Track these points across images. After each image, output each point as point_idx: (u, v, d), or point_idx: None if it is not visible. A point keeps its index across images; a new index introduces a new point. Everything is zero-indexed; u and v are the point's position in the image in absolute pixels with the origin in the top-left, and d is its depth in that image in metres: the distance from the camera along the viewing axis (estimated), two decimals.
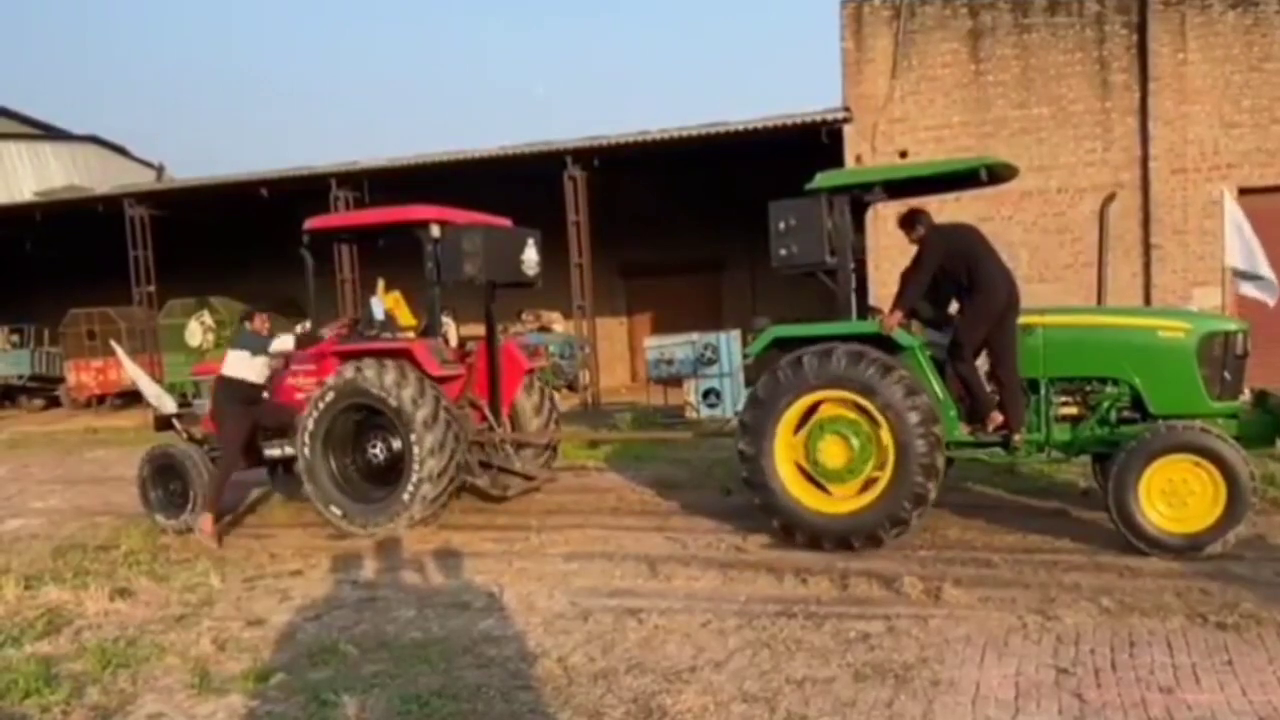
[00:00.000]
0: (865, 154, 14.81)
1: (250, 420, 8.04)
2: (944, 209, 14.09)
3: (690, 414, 13.15)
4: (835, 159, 14.47)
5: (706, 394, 13.03)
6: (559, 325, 21.11)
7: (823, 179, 6.70)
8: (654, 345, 13.94)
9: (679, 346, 13.49)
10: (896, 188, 7.19)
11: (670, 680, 4.38)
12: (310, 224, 8.40)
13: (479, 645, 4.99)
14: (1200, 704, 3.85)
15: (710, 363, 13.03)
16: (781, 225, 6.66)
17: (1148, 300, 13.77)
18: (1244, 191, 13.48)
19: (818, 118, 14.92)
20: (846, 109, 14.89)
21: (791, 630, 4.95)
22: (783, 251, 6.68)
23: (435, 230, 7.84)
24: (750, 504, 6.87)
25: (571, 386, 18.47)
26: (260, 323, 8.16)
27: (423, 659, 4.81)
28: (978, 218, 14.22)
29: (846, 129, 14.83)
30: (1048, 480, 8.17)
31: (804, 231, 6.60)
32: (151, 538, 7.87)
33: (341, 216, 8.63)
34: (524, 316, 21.10)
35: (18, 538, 8.46)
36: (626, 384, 21.31)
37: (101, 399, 21.55)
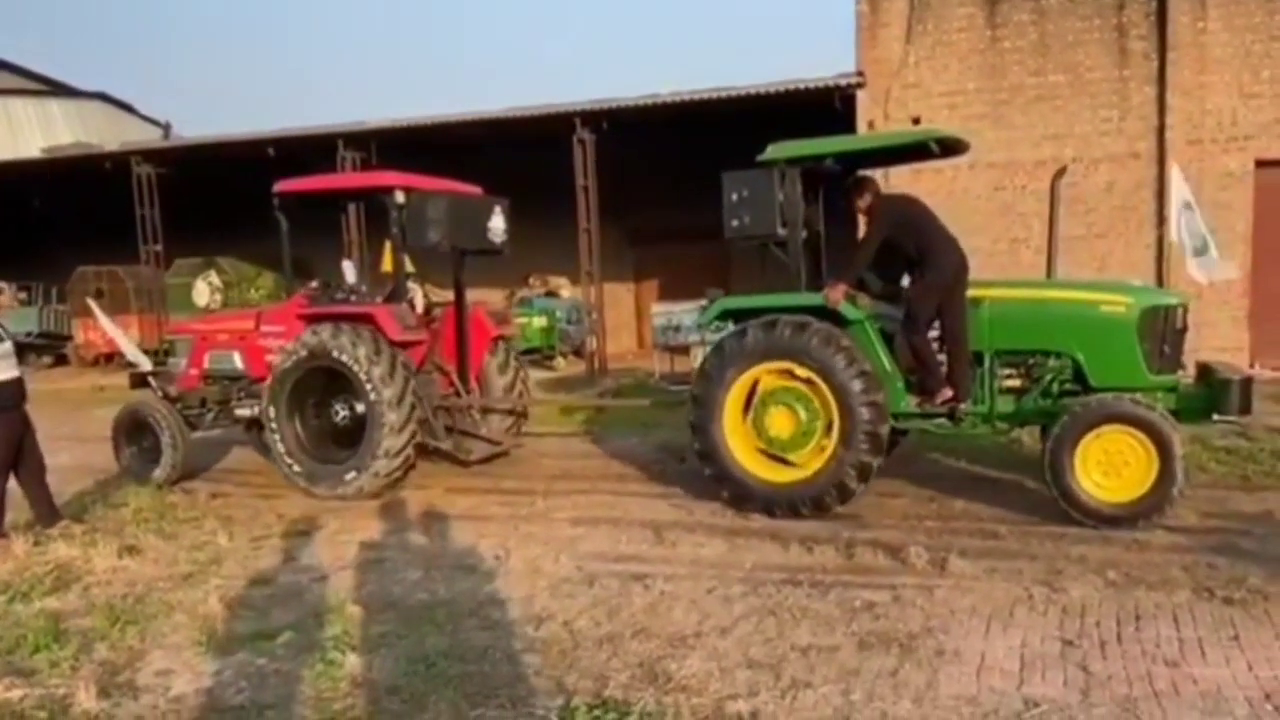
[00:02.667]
0: (878, 120, 14.60)
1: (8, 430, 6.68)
2: (958, 178, 14.02)
3: None
4: (848, 125, 14.29)
5: None
6: (566, 290, 21.04)
7: (774, 150, 6.72)
8: (661, 311, 13.90)
9: (686, 313, 13.42)
10: (850, 159, 7.22)
11: (675, 646, 4.39)
12: (279, 186, 8.48)
13: (485, 608, 5.02)
14: (1205, 678, 3.85)
15: (717, 330, 12.97)
16: (734, 196, 6.72)
17: (1160, 273, 13.63)
18: (1261, 164, 13.31)
19: (831, 83, 14.70)
20: (860, 74, 14.67)
21: (797, 598, 4.96)
22: (735, 222, 6.75)
23: (400, 196, 7.90)
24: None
25: (578, 352, 18.45)
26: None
27: (429, 620, 4.83)
28: (992, 187, 14.16)
29: (860, 94, 14.62)
30: None
31: (756, 203, 6.65)
32: (160, 496, 7.90)
33: (309, 180, 8.73)
34: (531, 281, 21.04)
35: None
36: (633, 350, 21.28)
37: (110, 357, 21.52)
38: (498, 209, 8.55)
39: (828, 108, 14.69)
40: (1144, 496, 5.83)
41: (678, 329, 13.45)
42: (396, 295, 8.34)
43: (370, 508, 7.36)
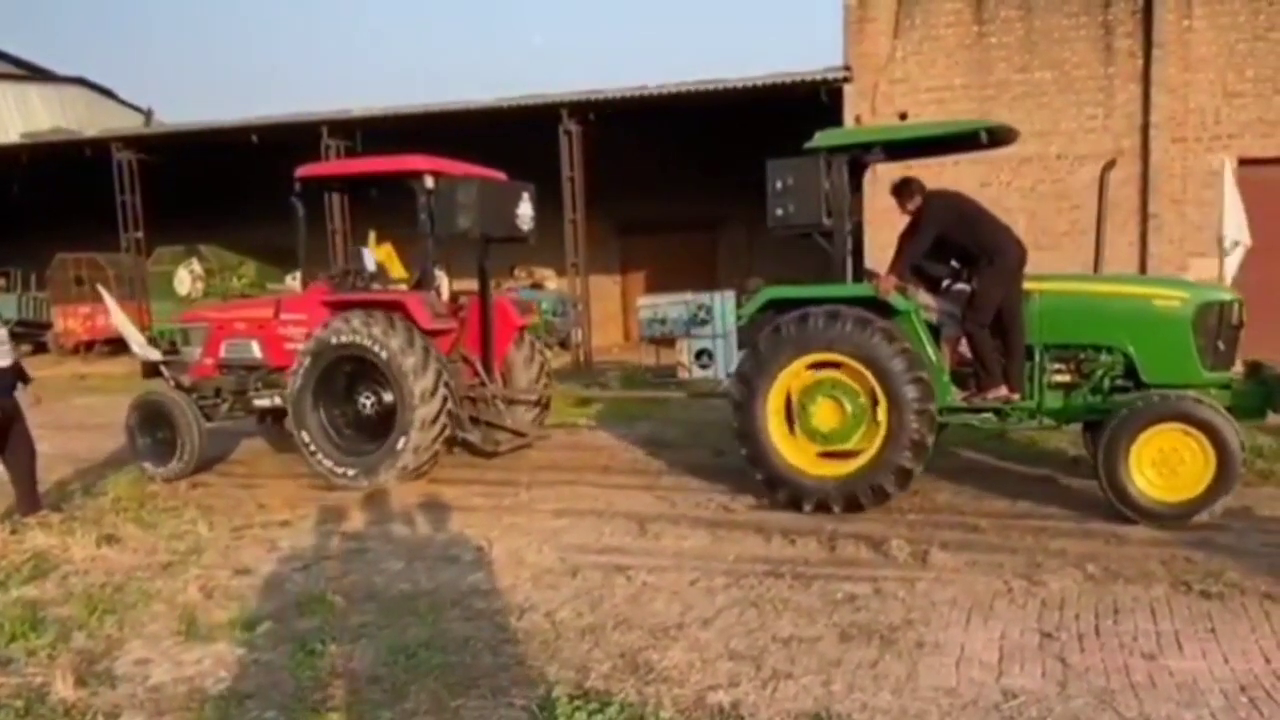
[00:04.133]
0: (865, 114, 14.62)
1: None
2: (943, 174, 14.00)
3: (682, 374, 13.13)
4: (835, 119, 14.29)
5: (699, 354, 12.98)
6: (552, 282, 20.98)
7: (822, 138, 6.60)
8: (647, 304, 13.86)
9: (672, 306, 13.40)
10: (896, 149, 7.10)
11: (657, 637, 4.40)
12: (302, 171, 8.27)
13: (467, 598, 5.00)
14: (1182, 670, 3.88)
15: (704, 323, 12.97)
16: (779, 185, 6.55)
17: (1143, 270, 13.73)
18: (1244, 162, 13.39)
19: (818, 77, 14.71)
20: (847, 68, 14.68)
21: (779, 590, 4.97)
22: (779, 211, 6.59)
23: (430, 181, 7.70)
24: (740, 466, 6.87)
25: (563, 344, 18.41)
26: None
27: (411, 611, 4.82)
28: (978, 182, 14.16)
29: (846, 89, 14.63)
30: (1037, 447, 8.20)
31: (801, 192, 6.51)
32: (140, 485, 7.85)
33: (335, 164, 8.53)
34: (516, 273, 20.96)
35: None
36: (619, 343, 21.26)
37: (90, 345, 21.39)
38: (525, 195, 8.36)
39: (814, 101, 14.70)
40: (1199, 496, 5.72)
41: (664, 322, 13.42)
42: (424, 283, 8.19)
43: (354, 498, 7.32)
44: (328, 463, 7.65)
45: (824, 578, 5.13)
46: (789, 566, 5.34)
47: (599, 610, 4.77)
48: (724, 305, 13.05)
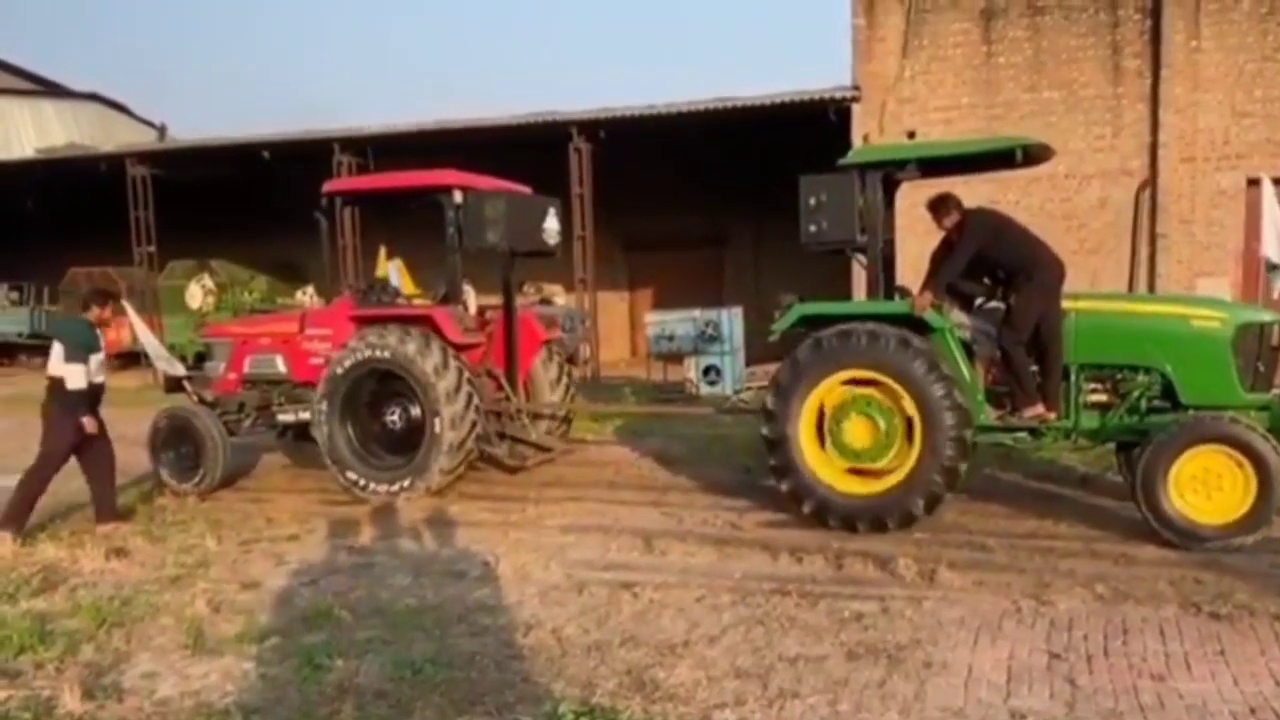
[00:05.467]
0: (872, 133, 14.68)
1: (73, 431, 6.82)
2: (952, 191, 14.06)
3: (690, 390, 13.14)
4: (843, 138, 14.36)
5: (707, 370, 13.01)
6: (560, 298, 21.03)
7: (856, 154, 6.59)
8: (655, 320, 13.90)
9: (680, 322, 13.44)
10: (930, 165, 7.03)
11: (663, 654, 4.39)
12: (329, 186, 8.30)
13: (473, 614, 5.00)
14: (1191, 692, 3.86)
15: (711, 339, 13.00)
16: (812, 201, 6.50)
17: (1151, 289, 13.71)
18: (1253, 182, 13.40)
19: (826, 95, 14.80)
20: (856, 87, 14.76)
21: (785, 608, 4.96)
22: (813, 228, 6.54)
23: (458, 196, 7.73)
24: (748, 483, 6.87)
25: (571, 360, 18.42)
26: (103, 314, 7.07)
27: (417, 626, 4.82)
28: (987, 200, 14.17)
29: (855, 108, 14.70)
30: (1047, 466, 8.16)
31: (835, 208, 6.47)
32: (149, 498, 7.87)
33: (364, 179, 8.58)
34: (525, 288, 21.01)
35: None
36: (626, 359, 21.27)
37: None
38: (551, 210, 8.39)
39: (823, 121, 14.76)
40: (1240, 520, 5.64)
41: (671, 338, 13.45)
42: (451, 297, 8.21)
43: (361, 512, 7.33)
44: (353, 476, 7.64)
45: (831, 596, 5.12)
46: (796, 584, 5.33)
47: (605, 627, 4.77)
48: (731, 321, 13.08)
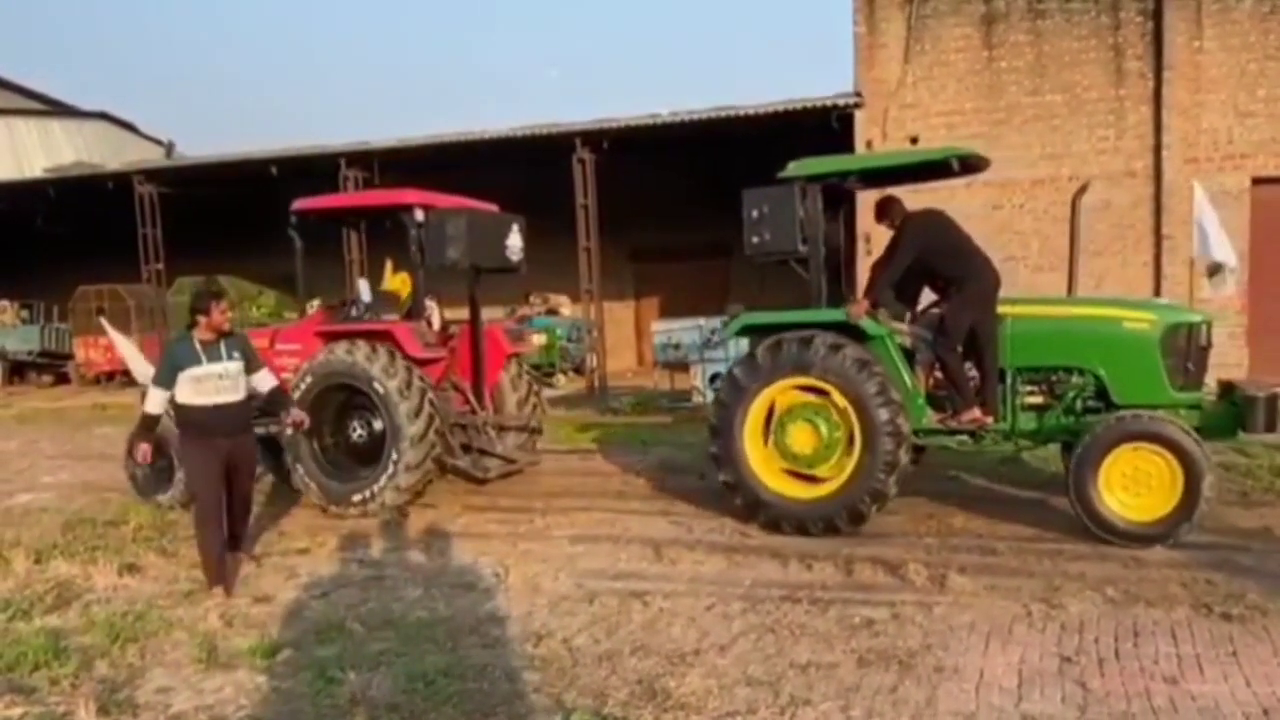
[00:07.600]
0: (876, 139, 14.71)
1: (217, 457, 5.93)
2: (954, 197, 14.06)
3: (696, 398, 13.17)
4: (846, 144, 14.39)
5: (713, 378, 13.03)
6: (566, 308, 21.10)
7: (795, 167, 6.74)
8: (661, 329, 13.96)
9: (686, 331, 13.49)
10: (871, 177, 7.25)
11: (674, 663, 4.40)
12: (297, 205, 8.48)
13: (484, 625, 5.02)
14: (1204, 694, 3.86)
15: (717, 347, 13.04)
16: (755, 213, 6.71)
17: (1158, 291, 13.69)
18: (1258, 181, 13.39)
19: (829, 102, 14.82)
20: (858, 94, 14.79)
21: (796, 615, 4.97)
22: (755, 239, 6.73)
23: (419, 214, 7.88)
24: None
25: (578, 370, 18.48)
26: (212, 319, 5.91)
27: (429, 638, 4.84)
28: (990, 205, 14.22)
29: (857, 114, 14.73)
30: (1052, 471, 8.15)
31: (777, 219, 6.65)
32: (160, 514, 7.91)
33: (327, 199, 8.75)
34: (532, 299, 21.11)
35: (28, 512, 8.51)
36: (633, 368, 21.32)
37: (110, 375, 21.58)
38: (515, 227, 8.53)
39: (825, 127, 14.79)
40: (1169, 515, 5.78)
41: (677, 347, 13.49)
42: (415, 313, 8.34)
43: (370, 525, 7.36)
44: (318, 488, 7.77)
45: (841, 602, 5.12)
46: (806, 591, 5.33)
47: (615, 636, 4.78)
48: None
